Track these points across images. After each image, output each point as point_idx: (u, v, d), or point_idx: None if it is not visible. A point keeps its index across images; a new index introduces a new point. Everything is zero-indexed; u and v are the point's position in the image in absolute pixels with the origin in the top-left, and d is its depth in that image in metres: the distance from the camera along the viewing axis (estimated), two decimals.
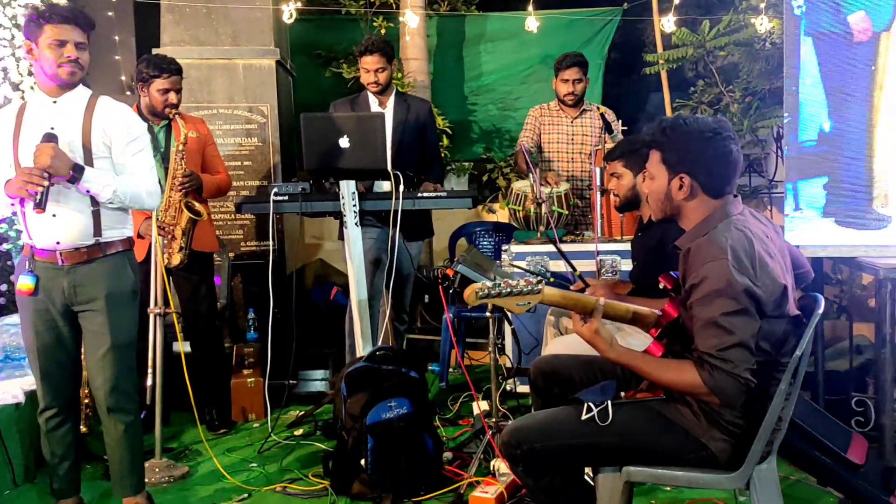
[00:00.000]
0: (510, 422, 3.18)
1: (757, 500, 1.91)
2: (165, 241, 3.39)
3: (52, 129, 2.52)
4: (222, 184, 3.80)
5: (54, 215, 2.55)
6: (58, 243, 2.58)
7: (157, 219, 3.34)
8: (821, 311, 1.92)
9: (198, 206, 3.41)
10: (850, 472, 2.64)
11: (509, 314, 3.45)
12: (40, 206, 2.45)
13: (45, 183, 2.44)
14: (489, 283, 1.94)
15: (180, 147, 3.41)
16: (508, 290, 1.95)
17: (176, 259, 3.40)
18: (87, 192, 2.55)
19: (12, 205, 2.61)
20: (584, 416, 1.99)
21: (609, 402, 1.99)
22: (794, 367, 1.85)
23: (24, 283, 2.60)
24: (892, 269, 2.73)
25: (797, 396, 1.96)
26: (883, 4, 3.04)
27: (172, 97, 3.57)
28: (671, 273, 2.10)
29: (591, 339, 1.99)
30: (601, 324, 1.99)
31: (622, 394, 2.14)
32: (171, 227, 3.40)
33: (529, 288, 1.97)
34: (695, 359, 1.86)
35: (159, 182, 2.93)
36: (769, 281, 1.86)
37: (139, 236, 3.43)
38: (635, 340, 2.62)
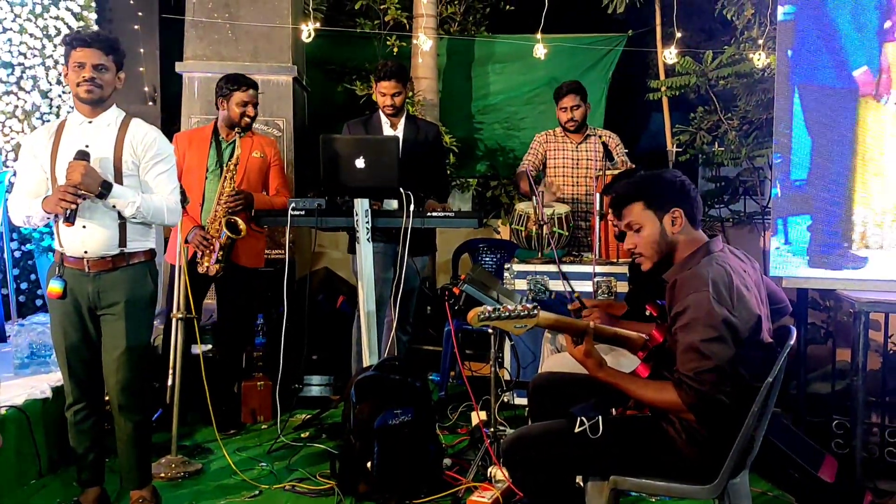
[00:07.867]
0: (511, 431, 3.39)
1: None
2: (208, 252, 3.67)
3: (87, 146, 2.73)
4: (276, 205, 3.91)
5: (84, 227, 2.75)
6: (85, 252, 2.78)
7: (199, 228, 3.62)
8: (792, 341, 2.12)
9: (241, 224, 3.67)
10: (820, 490, 2.84)
11: None
12: (70, 220, 2.66)
13: (79, 201, 2.64)
14: (490, 308, 2.15)
15: (231, 166, 3.69)
16: (507, 314, 2.16)
17: (212, 269, 3.67)
18: (113, 207, 2.75)
19: (48, 218, 2.80)
20: (576, 429, 2.18)
21: (599, 418, 2.18)
22: (766, 392, 2.05)
23: (53, 287, 2.79)
24: (866, 303, 2.94)
25: (776, 419, 2.16)
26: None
27: (250, 110, 3.87)
28: (657, 301, 2.31)
29: (582, 361, 2.20)
30: (592, 346, 2.19)
31: (612, 410, 2.34)
32: (213, 239, 3.68)
33: (526, 312, 2.17)
34: (675, 380, 2.07)
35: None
36: (745, 311, 2.07)
37: (186, 241, 3.67)
38: (627, 361, 2.81)
